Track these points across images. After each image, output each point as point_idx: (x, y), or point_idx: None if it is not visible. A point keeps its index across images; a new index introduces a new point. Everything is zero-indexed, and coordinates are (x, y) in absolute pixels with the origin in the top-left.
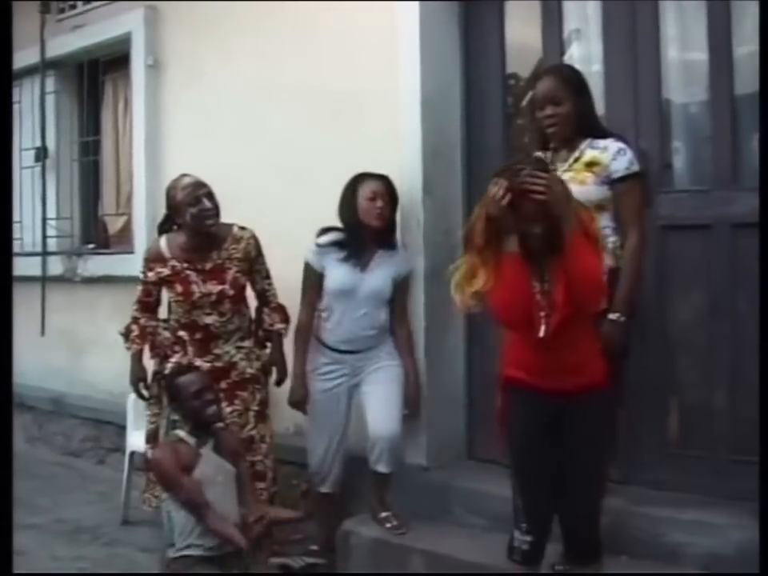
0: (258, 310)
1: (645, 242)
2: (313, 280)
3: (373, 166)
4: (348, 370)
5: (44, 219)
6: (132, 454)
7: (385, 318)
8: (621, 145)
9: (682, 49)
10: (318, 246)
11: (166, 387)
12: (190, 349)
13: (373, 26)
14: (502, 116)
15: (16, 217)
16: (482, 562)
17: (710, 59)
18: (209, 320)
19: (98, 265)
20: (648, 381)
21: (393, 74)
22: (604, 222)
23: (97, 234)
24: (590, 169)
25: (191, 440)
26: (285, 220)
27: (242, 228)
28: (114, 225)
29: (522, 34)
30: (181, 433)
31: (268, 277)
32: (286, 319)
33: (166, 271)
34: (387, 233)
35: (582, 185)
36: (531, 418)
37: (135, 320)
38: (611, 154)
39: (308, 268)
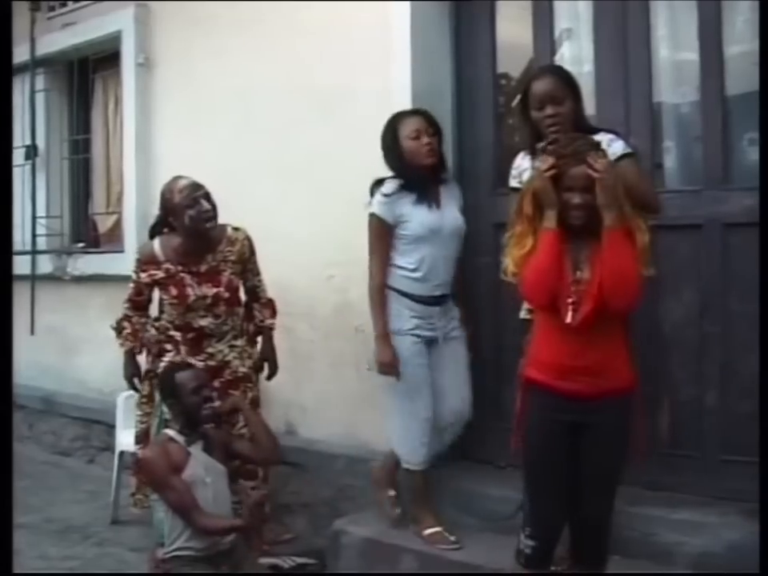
0: (248, 306)
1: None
2: (384, 232)
3: (365, 163)
4: (435, 322)
5: (34, 218)
6: (121, 453)
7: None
8: (611, 135)
9: (673, 49)
10: (386, 195)
11: (162, 383)
12: (182, 348)
13: (364, 24)
14: (493, 115)
15: None
16: (474, 562)
17: (700, 59)
18: (203, 322)
19: (88, 263)
20: (639, 380)
21: (384, 73)
22: None
23: (87, 233)
24: None
25: (181, 439)
26: (277, 217)
27: (236, 229)
28: (105, 223)
29: (513, 33)
30: (171, 432)
31: (258, 273)
32: (275, 314)
33: (159, 274)
34: (441, 167)
35: None
36: (549, 422)
37: (127, 318)
38: (606, 142)
39: (378, 221)
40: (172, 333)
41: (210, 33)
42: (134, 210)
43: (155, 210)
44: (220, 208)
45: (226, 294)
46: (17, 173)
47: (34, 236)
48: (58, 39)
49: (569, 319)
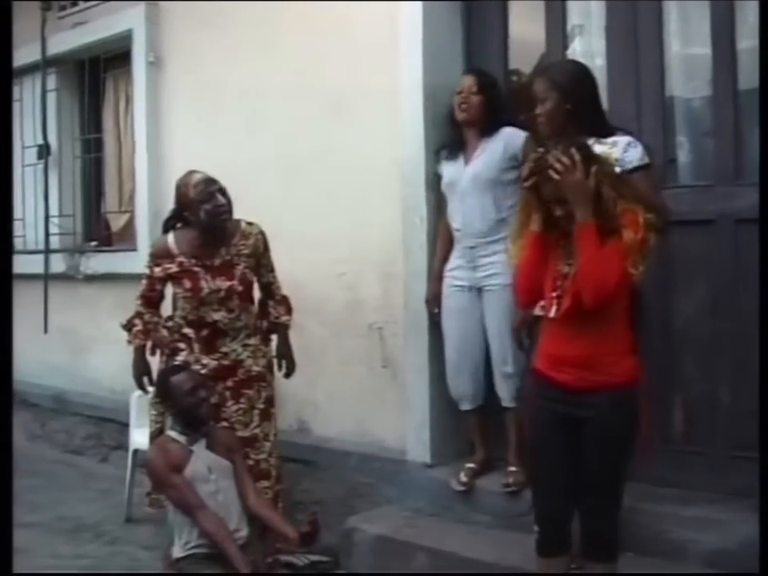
0: (263, 303)
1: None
2: (439, 187)
3: (375, 161)
4: (471, 270)
5: (46, 217)
6: (135, 451)
7: (501, 207)
8: (629, 138)
9: (685, 44)
10: (435, 153)
11: (158, 386)
12: (195, 346)
13: (375, 22)
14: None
15: (18, 214)
16: (486, 559)
17: (713, 54)
18: (217, 316)
19: (100, 262)
20: (650, 377)
21: (395, 71)
22: None
23: (99, 232)
24: None
25: (182, 439)
26: (287, 215)
27: (250, 224)
28: (117, 222)
29: (524, 29)
30: (172, 432)
31: (272, 270)
32: (290, 311)
33: (173, 267)
34: (483, 121)
35: None
36: (543, 411)
37: (139, 315)
38: (621, 148)
39: (437, 178)
40: (185, 330)
41: (220, 31)
42: (146, 209)
43: (167, 208)
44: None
45: (240, 288)
46: (29, 172)
47: (46, 235)
48: (69, 38)
49: (552, 313)
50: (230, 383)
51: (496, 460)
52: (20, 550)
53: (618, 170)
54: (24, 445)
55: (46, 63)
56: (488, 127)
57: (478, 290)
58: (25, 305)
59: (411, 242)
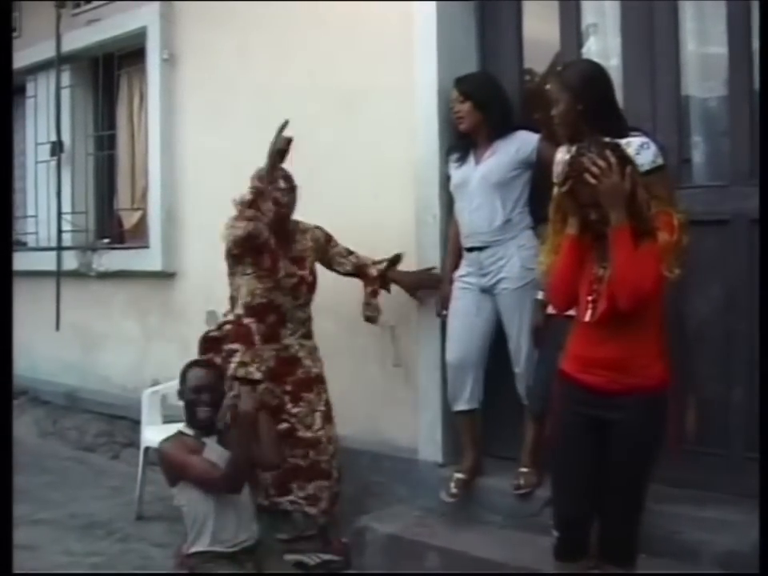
0: (365, 276)
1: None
2: (449, 188)
3: (388, 161)
4: (480, 271)
5: (59, 214)
6: (147, 449)
7: (508, 209)
8: (643, 139)
9: (701, 43)
10: (447, 154)
11: (181, 374)
12: (256, 338)
13: (389, 21)
14: (518, 111)
15: (31, 211)
16: (497, 558)
17: (728, 53)
18: (284, 301)
19: (112, 260)
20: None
21: (409, 69)
22: None
23: (112, 229)
24: None
25: (191, 432)
26: (300, 213)
27: (303, 222)
28: (129, 219)
29: (539, 29)
30: (183, 428)
31: (351, 252)
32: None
33: (261, 225)
34: (488, 126)
35: None
36: (573, 414)
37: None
38: (634, 149)
39: (447, 179)
40: (246, 321)
41: (233, 29)
42: (159, 206)
43: (179, 206)
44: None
45: (310, 278)
46: (42, 169)
47: (59, 232)
48: (83, 36)
49: (587, 317)
50: (288, 386)
51: (507, 460)
52: (32, 547)
53: None
54: (36, 442)
55: (61, 60)
56: (497, 128)
57: (490, 293)
58: (37, 302)
59: (424, 241)
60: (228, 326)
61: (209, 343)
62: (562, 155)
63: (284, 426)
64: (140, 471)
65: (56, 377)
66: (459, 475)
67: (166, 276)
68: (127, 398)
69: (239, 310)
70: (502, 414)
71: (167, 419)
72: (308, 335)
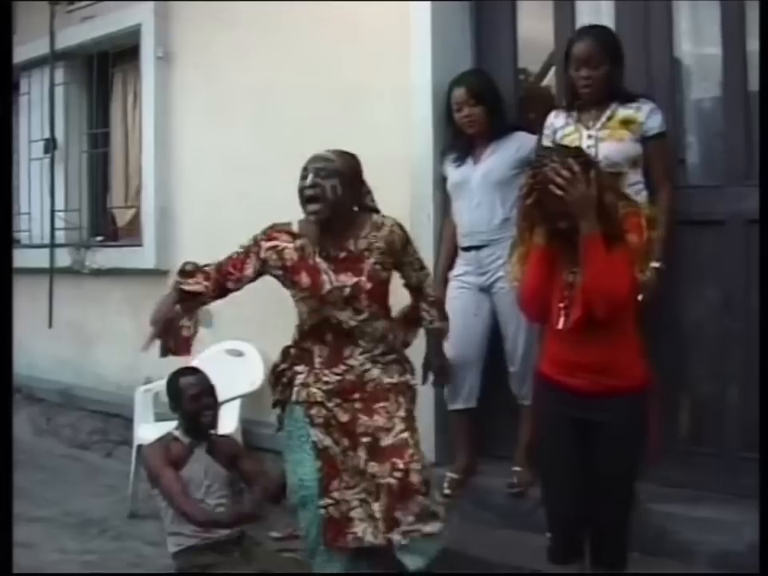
0: (414, 307)
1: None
2: (444, 188)
3: (384, 159)
4: (478, 270)
5: (52, 211)
6: (139, 447)
7: (507, 208)
8: (652, 104)
9: (695, 44)
10: (442, 154)
11: (167, 386)
12: (317, 360)
13: (385, 20)
14: (513, 111)
15: (24, 208)
16: (490, 557)
17: (723, 54)
18: (342, 316)
19: (106, 257)
20: (659, 377)
21: (405, 68)
22: (636, 178)
23: (105, 227)
24: (627, 126)
25: (185, 440)
26: (297, 213)
27: (384, 216)
28: (123, 217)
29: (533, 29)
30: (176, 432)
31: (422, 267)
32: (445, 316)
33: (289, 248)
34: (491, 127)
35: (620, 141)
36: (556, 416)
37: (205, 276)
38: (645, 113)
39: (443, 179)
40: (305, 345)
41: (229, 27)
42: (153, 204)
43: (173, 204)
44: (238, 202)
45: (368, 285)
46: (35, 166)
47: (52, 229)
48: (77, 33)
49: (560, 325)
50: (358, 403)
51: (502, 458)
52: (26, 544)
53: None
54: (30, 439)
55: (55, 57)
56: (498, 129)
57: (487, 292)
58: (30, 299)
59: (419, 240)
60: (292, 351)
61: (276, 375)
62: (553, 118)
63: (366, 439)
64: (132, 469)
65: (50, 374)
66: (453, 475)
67: (159, 274)
68: (121, 395)
69: (296, 335)
70: (497, 413)
71: (159, 417)
72: (387, 352)
